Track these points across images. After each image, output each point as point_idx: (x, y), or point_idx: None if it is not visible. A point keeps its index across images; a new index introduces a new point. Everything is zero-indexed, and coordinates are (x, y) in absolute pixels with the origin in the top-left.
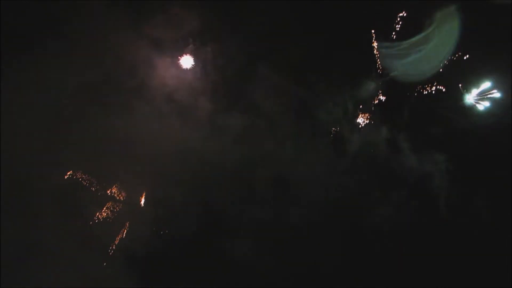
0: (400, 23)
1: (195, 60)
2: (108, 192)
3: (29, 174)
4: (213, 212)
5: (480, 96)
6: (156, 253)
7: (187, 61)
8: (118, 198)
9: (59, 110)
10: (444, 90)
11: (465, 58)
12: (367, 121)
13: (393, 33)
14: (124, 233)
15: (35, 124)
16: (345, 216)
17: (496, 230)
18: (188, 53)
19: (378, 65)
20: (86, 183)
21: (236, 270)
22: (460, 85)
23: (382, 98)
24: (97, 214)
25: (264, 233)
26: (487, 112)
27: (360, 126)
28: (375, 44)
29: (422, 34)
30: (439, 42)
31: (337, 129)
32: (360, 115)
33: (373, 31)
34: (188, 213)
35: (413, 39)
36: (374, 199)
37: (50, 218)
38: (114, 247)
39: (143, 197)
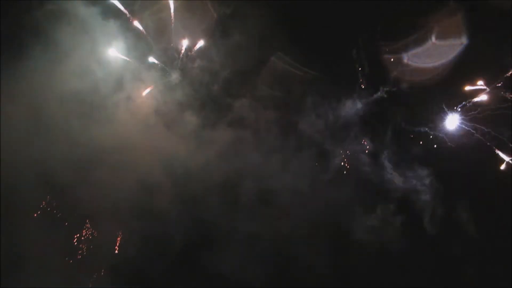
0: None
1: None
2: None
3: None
4: (201, 224)
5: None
6: (143, 265)
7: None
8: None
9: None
10: (428, 107)
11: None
12: (353, 137)
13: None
14: (112, 246)
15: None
16: (331, 229)
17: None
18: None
19: (365, 81)
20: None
21: (223, 283)
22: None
23: (368, 114)
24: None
25: (251, 246)
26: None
27: (345, 141)
28: (364, 58)
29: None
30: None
31: (323, 143)
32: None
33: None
34: (176, 226)
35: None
36: (360, 214)
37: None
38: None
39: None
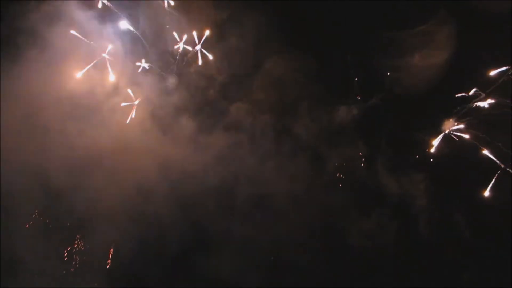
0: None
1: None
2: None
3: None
4: (197, 228)
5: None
6: (139, 269)
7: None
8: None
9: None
10: (424, 112)
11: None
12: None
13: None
14: (108, 251)
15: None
16: (327, 233)
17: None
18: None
19: (360, 87)
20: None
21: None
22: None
23: (362, 120)
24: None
25: (247, 251)
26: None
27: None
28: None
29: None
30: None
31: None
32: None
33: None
34: (172, 230)
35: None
36: (356, 218)
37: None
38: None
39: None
